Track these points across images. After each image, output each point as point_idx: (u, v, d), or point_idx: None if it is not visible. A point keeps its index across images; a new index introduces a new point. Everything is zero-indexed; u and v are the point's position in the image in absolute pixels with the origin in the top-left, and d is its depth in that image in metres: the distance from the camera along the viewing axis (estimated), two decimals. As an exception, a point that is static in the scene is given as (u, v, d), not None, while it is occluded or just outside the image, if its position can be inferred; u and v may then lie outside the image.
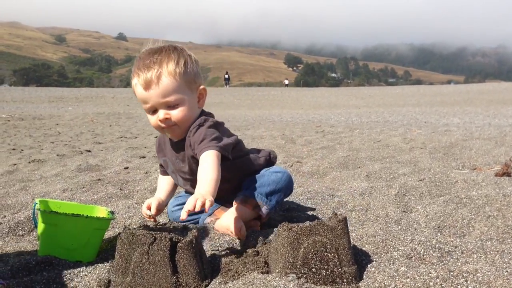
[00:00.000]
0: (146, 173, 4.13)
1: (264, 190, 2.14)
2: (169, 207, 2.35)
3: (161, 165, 2.42)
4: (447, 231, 1.93)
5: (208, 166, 1.91)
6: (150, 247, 1.47)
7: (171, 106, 2.05)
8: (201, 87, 2.16)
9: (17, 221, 2.36)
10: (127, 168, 4.44)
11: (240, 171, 2.17)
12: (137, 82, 2.04)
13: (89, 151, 6.01)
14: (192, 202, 1.71)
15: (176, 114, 2.05)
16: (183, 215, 1.69)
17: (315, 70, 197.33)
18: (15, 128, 9.78)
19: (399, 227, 1.99)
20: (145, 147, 6.26)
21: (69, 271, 1.64)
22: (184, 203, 2.28)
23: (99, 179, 3.77)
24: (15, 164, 4.85)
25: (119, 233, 1.53)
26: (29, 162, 4.98)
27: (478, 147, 4.63)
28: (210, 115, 2.20)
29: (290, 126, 9.03)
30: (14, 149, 6.33)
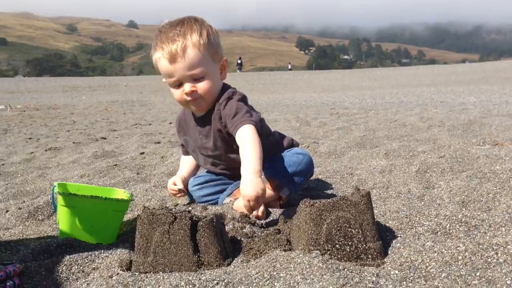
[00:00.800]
0: (162, 157, 4.13)
1: (286, 171, 2.11)
2: (188, 187, 2.33)
3: (182, 145, 2.42)
4: (472, 205, 1.88)
5: (251, 142, 1.88)
6: (171, 226, 1.45)
7: (196, 79, 2.01)
8: (223, 58, 2.13)
9: (36, 206, 2.37)
10: (142, 153, 4.44)
11: (265, 150, 2.16)
12: (161, 55, 2.00)
13: (105, 138, 6.03)
14: (246, 206, 1.76)
15: (202, 86, 2.02)
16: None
17: (327, 52, 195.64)
18: (31, 118, 9.85)
19: (422, 203, 1.95)
20: (160, 133, 6.26)
21: (90, 252, 1.63)
22: (203, 183, 2.28)
23: (116, 165, 3.77)
24: (32, 153, 4.88)
25: (139, 214, 1.51)
26: (46, 150, 5.01)
27: (497, 123, 4.54)
28: (231, 87, 2.17)
29: (304, 109, 8.96)
30: (30, 138, 6.37)
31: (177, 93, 2.06)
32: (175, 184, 2.28)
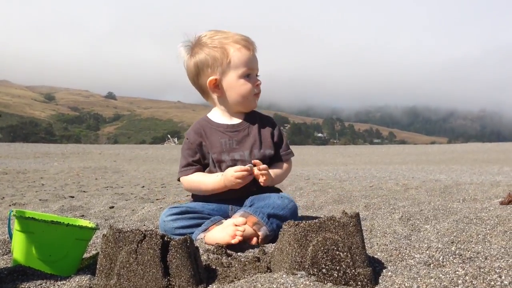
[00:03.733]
0: (133, 210, 3.93)
1: (267, 211, 2.03)
2: (161, 217, 2.16)
3: (190, 165, 2.30)
4: (462, 246, 1.77)
5: (285, 174, 2.38)
6: (139, 245, 1.29)
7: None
8: None
9: (-10, 245, 2.15)
10: (112, 207, 4.24)
11: (258, 187, 2.22)
12: (241, 46, 2.23)
13: (73, 196, 5.78)
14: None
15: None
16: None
17: (302, 130, 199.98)
18: (-2, 181, 9.48)
19: (410, 241, 1.83)
20: (132, 193, 6.05)
21: (44, 280, 1.44)
22: (178, 214, 2.13)
23: (83, 215, 3.56)
24: (-6, 207, 4.61)
25: (104, 234, 1.35)
26: (10, 205, 4.74)
27: (474, 188, 4.53)
28: None
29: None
30: (-6, 197, 6.07)
31: (247, 85, 2.26)
32: (238, 171, 2.14)
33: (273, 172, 2.23)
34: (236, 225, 1.91)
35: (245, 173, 2.13)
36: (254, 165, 2.15)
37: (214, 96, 2.33)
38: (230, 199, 2.22)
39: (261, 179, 2.15)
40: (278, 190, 2.34)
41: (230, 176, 2.12)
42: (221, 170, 2.23)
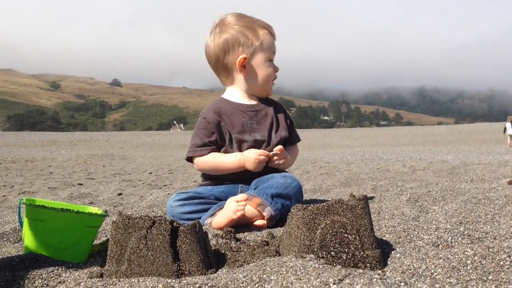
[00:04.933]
0: (141, 197, 3.96)
1: (270, 191, 2.03)
2: (169, 202, 2.18)
3: (206, 145, 2.27)
4: (471, 226, 1.77)
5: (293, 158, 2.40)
6: (149, 231, 1.30)
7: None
8: None
9: (2, 232, 2.18)
10: (120, 194, 4.27)
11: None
12: (267, 32, 2.32)
13: (81, 184, 5.83)
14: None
15: None
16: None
17: (308, 113, 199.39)
18: (7, 170, 9.55)
19: (418, 222, 1.83)
20: (139, 180, 6.08)
21: (56, 267, 1.45)
22: (185, 199, 2.14)
23: (92, 202, 3.59)
24: (4, 196, 4.66)
25: (114, 220, 1.36)
26: (19, 194, 4.79)
27: (482, 168, 4.51)
28: None
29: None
30: (4, 185, 6.13)
31: (271, 70, 2.34)
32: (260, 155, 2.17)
33: (287, 157, 2.29)
34: (237, 201, 1.94)
35: (267, 158, 2.16)
36: (276, 154, 2.20)
37: (239, 76, 2.32)
38: (241, 178, 2.23)
39: (280, 162, 2.21)
40: (282, 170, 2.33)
41: (252, 158, 2.13)
42: (241, 150, 2.23)
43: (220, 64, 2.33)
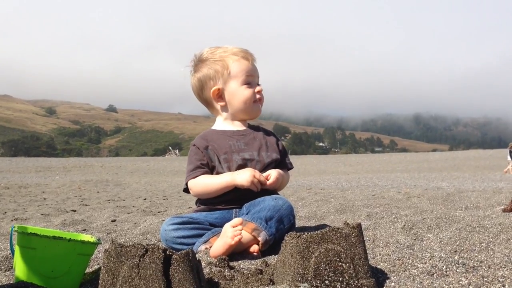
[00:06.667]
0: (135, 223, 3.93)
1: (263, 215, 2.04)
2: (163, 226, 2.17)
3: (198, 167, 2.33)
4: (465, 255, 1.77)
5: (284, 184, 2.38)
6: (141, 259, 1.29)
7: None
8: None
9: (-7, 260, 2.14)
10: (114, 221, 4.24)
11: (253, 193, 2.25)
12: (240, 58, 2.36)
13: (75, 210, 5.78)
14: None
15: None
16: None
17: (303, 139, 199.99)
18: (0, 196, 9.49)
19: (412, 250, 1.82)
20: (134, 206, 6.04)
21: (47, 296, 1.44)
22: (180, 223, 2.14)
23: (85, 229, 3.56)
24: (-4, 222, 4.61)
25: (106, 249, 1.35)
26: (12, 220, 4.74)
27: (476, 195, 4.52)
28: None
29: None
30: (-4, 212, 6.07)
31: (248, 91, 2.36)
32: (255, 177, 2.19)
33: (281, 175, 2.30)
34: (233, 226, 1.95)
35: (262, 179, 2.21)
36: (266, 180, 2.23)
37: (218, 106, 2.43)
38: (234, 199, 2.25)
39: (270, 181, 2.23)
40: (273, 193, 2.35)
41: (249, 174, 2.18)
42: (230, 170, 2.27)
43: (202, 100, 2.49)
